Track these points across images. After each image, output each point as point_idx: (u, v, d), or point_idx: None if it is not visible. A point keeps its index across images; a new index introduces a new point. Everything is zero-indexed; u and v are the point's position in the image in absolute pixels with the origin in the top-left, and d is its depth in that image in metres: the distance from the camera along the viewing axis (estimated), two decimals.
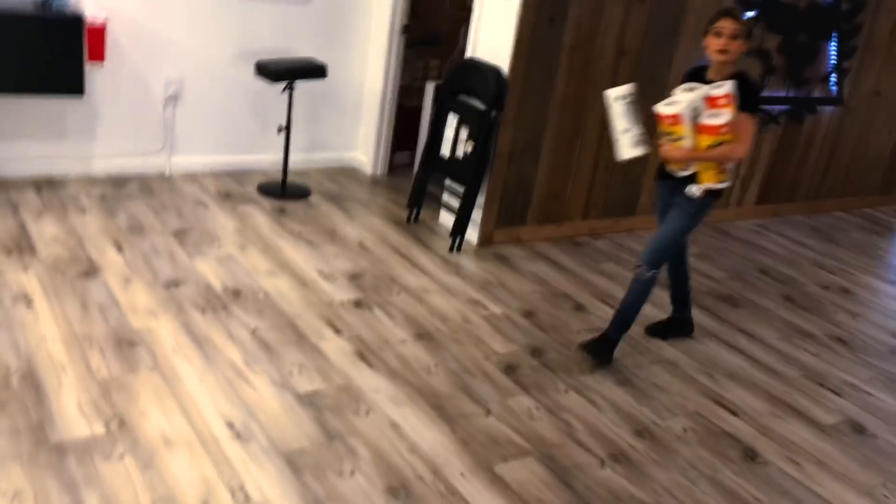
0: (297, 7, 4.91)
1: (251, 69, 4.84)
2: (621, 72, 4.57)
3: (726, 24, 3.09)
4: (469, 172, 4.32)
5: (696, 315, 3.96)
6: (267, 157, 5.14)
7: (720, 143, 3.09)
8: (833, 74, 5.70)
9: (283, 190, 4.80)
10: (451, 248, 4.39)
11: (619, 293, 4.20)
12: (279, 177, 4.98)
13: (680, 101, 3.11)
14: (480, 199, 4.41)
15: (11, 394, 2.65)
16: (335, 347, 3.25)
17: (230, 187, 4.78)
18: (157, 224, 4.10)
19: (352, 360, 3.18)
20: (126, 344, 3.03)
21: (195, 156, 4.88)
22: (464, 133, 4.37)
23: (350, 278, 3.87)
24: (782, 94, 5.47)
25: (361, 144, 5.49)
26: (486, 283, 4.06)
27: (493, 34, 4.27)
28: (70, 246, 3.70)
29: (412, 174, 5.56)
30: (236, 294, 3.54)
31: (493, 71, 4.20)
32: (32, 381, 2.73)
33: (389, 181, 5.39)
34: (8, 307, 3.14)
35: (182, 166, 4.85)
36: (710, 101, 3.10)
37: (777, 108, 5.48)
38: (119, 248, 3.76)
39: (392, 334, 3.43)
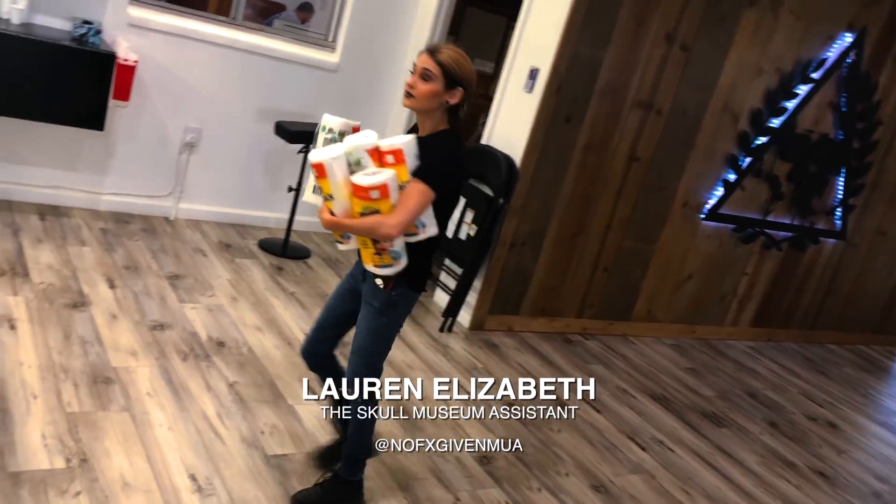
0: (325, 73, 5.03)
1: (270, 127, 4.92)
2: (631, 176, 4.65)
3: (420, 60, 2.36)
4: (469, 255, 4.34)
5: (680, 429, 3.90)
6: (272, 215, 5.18)
7: (373, 212, 2.29)
8: (839, 209, 5.78)
9: (284, 249, 4.81)
10: (442, 329, 4.36)
11: (606, 396, 4.16)
12: (282, 235, 5.00)
13: (335, 148, 2.34)
14: (477, 283, 4.41)
15: None
16: (311, 413, 3.19)
17: (232, 239, 4.80)
18: (154, 265, 4.09)
19: (323, 426, 3.12)
20: (102, 381, 2.98)
21: (202, 204, 4.92)
22: (469, 216, 4.41)
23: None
24: (787, 220, 5.54)
25: None
26: (472, 368, 4.02)
27: (510, 124, 4.36)
28: (63, 276, 3.68)
29: None
30: (220, 345, 3.51)
31: (506, 160, 4.27)
32: (1, 405, 2.67)
33: None
34: None
35: (188, 212, 4.88)
36: (376, 155, 2.33)
37: (781, 234, 5.54)
38: (111, 285, 3.74)
39: None
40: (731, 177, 5.05)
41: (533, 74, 4.23)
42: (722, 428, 4.21)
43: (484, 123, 5.00)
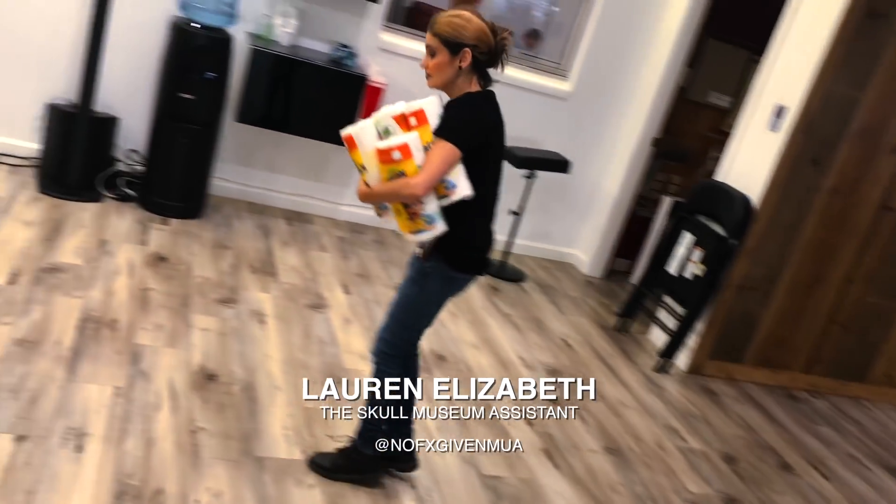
0: (555, 101, 5.07)
1: None
2: (881, 227, 4.27)
3: (427, 39, 2.33)
4: (693, 296, 4.18)
5: None
6: None
7: (398, 175, 2.27)
8: None
9: (501, 270, 4.90)
10: (658, 369, 4.23)
11: (834, 462, 3.84)
12: (499, 257, 5.10)
13: (362, 123, 2.36)
14: (698, 326, 4.24)
15: (231, 400, 2.85)
16: (524, 438, 3.21)
17: None
18: (383, 275, 4.31)
19: (538, 456, 3.12)
20: (335, 381, 3.17)
21: None
22: (696, 254, 4.25)
23: (549, 372, 3.83)
24: None
25: (584, 243, 5.50)
26: (688, 414, 3.86)
27: (749, 163, 4.16)
28: (305, 278, 3.98)
29: (628, 283, 5.49)
30: (441, 359, 3.62)
31: (742, 199, 4.08)
32: (250, 393, 2.93)
33: (604, 285, 5.34)
34: (244, 319, 3.41)
35: None
36: (403, 121, 2.33)
37: None
38: (346, 290, 3.99)
39: (583, 440, 3.34)
40: None
41: (779, 112, 4.01)
42: None
43: (716, 158, 4.81)
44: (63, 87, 4.22)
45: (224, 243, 4.07)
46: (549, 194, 5.30)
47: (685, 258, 4.32)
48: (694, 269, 4.24)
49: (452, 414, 3.20)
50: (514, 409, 3.38)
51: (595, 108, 5.18)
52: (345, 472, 2.62)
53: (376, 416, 2.56)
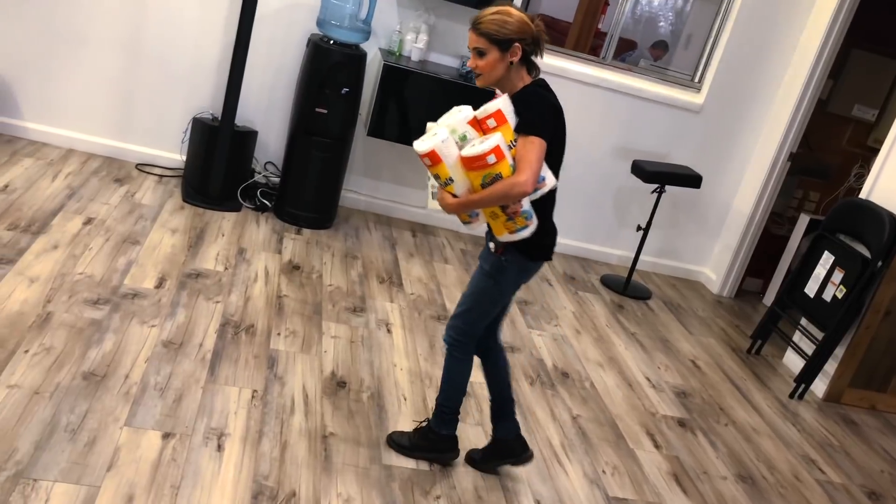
0: (687, 114, 4.94)
1: (624, 165, 4.95)
2: None
3: (469, 40, 2.36)
4: (834, 319, 3.95)
5: None
6: (615, 252, 5.20)
7: (495, 178, 2.27)
8: None
9: (626, 287, 4.80)
10: (793, 395, 4.02)
11: None
12: (624, 273, 5.00)
13: (437, 133, 2.32)
14: (838, 351, 4.01)
15: (360, 407, 2.91)
16: (652, 460, 3.12)
17: (575, 271, 4.89)
18: None
19: (667, 480, 3.03)
20: None
21: None
22: (837, 276, 4.02)
23: (677, 394, 3.72)
24: None
25: (713, 261, 5.32)
26: (826, 444, 3.65)
27: None
28: (429, 289, 4.03)
29: (760, 303, 5.26)
30: (564, 376, 3.58)
31: (889, 218, 3.83)
32: (378, 401, 2.99)
33: (734, 305, 5.14)
34: (372, 328, 3.49)
35: None
36: (478, 125, 2.33)
37: None
38: None
39: (713, 466, 3.21)
40: None
41: None
42: None
43: (859, 175, 4.56)
44: (207, 102, 4.46)
45: (353, 253, 4.18)
46: (677, 210, 5.16)
47: (824, 279, 4.10)
48: (834, 291, 4.02)
49: (578, 433, 3.16)
50: (641, 431, 3.30)
51: (728, 121, 5.00)
52: (423, 451, 2.71)
53: (451, 399, 2.67)
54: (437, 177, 2.37)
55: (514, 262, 2.46)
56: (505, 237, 2.39)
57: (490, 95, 2.54)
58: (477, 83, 2.43)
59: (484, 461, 2.76)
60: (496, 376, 2.71)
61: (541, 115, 2.32)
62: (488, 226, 2.46)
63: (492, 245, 2.48)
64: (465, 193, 2.35)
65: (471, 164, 2.28)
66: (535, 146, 2.27)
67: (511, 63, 2.34)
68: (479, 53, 2.34)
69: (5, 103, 4.34)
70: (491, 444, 2.76)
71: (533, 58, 2.40)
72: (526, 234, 2.37)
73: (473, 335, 2.59)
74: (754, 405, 3.84)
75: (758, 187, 4.98)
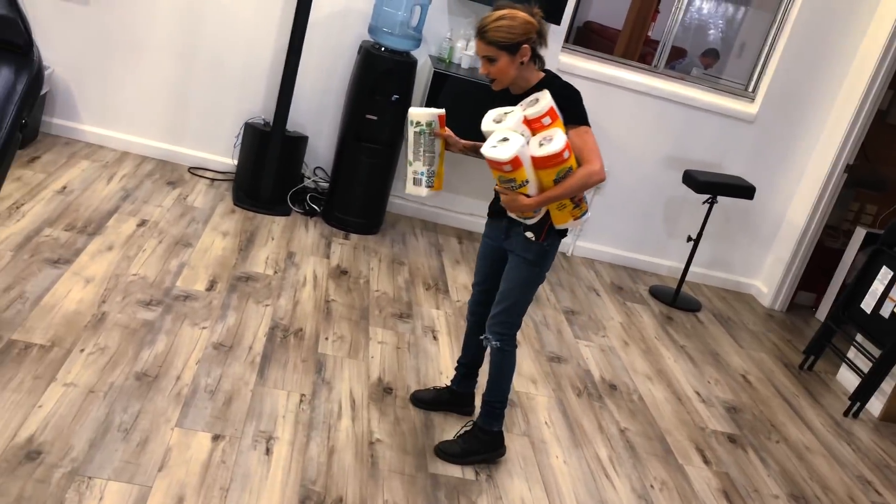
0: (740, 123, 4.85)
1: (675, 174, 4.88)
2: None
3: (477, 48, 2.45)
4: (892, 336, 3.84)
5: None
6: (665, 262, 5.12)
7: (567, 172, 2.38)
8: None
9: (675, 298, 4.72)
10: (847, 413, 3.92)
11: None
12: (673, 284, 4.93)
13: (510, 138, 2.34)
14: None
15: (406, 414, 2.91)
16: (701, 477, 3.06)
17: (623, 282, 4.84)
18: (552, 298, 4.27)
19: (716, 497, 2.96)
20: (508, 403, 3.17)
21: (598, 244, 5.03)
22: (895, 292, 3.91)
23: (727, 409, 3.64)
24: None
25: (765, 274, 5.21)
26: (883, 466, 3.54)
27: None
28: None
29: (812, 317, 5.14)
30: (612, 388, 3.53)
31: None
32: (424, 408, 2.98)
33: (786, 319, 5.02)
34: (419, 335, 3.48)
35: (583, 250, 5.03)
36: (531, 124, 2.38)
37: None
38: None
39: (764, 484, 3.13)
40: None
41: None
42: None
43: None
44: (259, 107, 4.51)
45: (400, 259, 4.19)
46: (729, 221, 5.07)
47: (882, 295, 3.98)
48: (892, 307, 3.90)
49: (626, 446, 3.11)
50: (690, 445, 3.24)
51: (783, 131, 4.90)
52: (476, 454, 2.73)
53: (503, 392, 2.73)
54: (511, 181, 2.40)
55: (554, 245, 2.61)
56: (569, 224, 2.52)
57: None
58: (493, 87, 2.52)
59: (433, 404, 2.96)
60: (480, 344, 2.85)
61: (581, 105, 2.46)
62: (518, 218, 2.54)
63: (529, 234, 2.55)
64: (536, 192, 2.43)
65: (545, 162, 2.36)
66: (590, 135, 2.43)
67: (521, 63, 2.44)
68: (490, 60, 2.43)
69: (65, 106, 4.45)
70: (453, 397, 2.97)
71: (538, 49, 2.48)
72: (587, 217, 2.56)
73: (519, 325, 2.71)
74: (807, 422, 3.74)
75: (812, 199, 4.87)
